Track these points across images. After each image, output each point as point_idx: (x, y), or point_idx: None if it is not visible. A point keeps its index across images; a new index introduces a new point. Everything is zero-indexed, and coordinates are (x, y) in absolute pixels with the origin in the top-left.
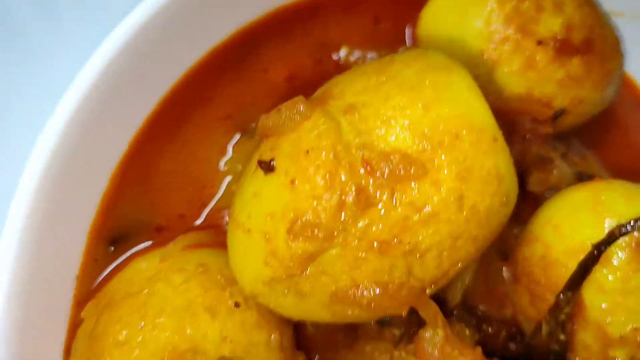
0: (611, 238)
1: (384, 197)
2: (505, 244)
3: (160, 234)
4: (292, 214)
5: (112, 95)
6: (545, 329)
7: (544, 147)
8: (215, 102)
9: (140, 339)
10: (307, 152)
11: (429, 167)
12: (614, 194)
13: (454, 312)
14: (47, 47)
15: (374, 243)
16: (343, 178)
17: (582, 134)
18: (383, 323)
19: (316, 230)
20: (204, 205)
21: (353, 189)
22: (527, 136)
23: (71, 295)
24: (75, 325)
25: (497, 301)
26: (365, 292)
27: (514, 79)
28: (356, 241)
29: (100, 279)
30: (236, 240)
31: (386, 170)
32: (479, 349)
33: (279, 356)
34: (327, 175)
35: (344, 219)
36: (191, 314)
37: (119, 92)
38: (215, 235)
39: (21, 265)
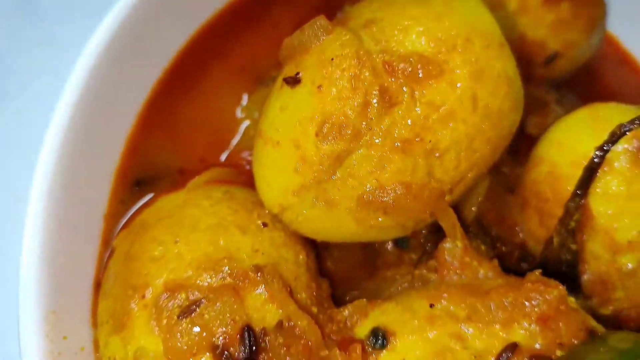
0: (613, 137)
1: (405, 97)
2: (510, 181)
3: (183, 176)
4: (320, 118)
5: (133, 48)
6: (556, 240)
7: (539, 90)
8: (231, 55)
9: (176, 251)
10: (332, 59)
11: (444, 68)
12: (610, 110)
13: (470, 229)
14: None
15: (397, 142)
16: (367, 79)
17: (572, 88)
18: (401, 244)
19: (344, 129)
20: (224, 149)
21: (377, 89)
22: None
23: (99, 233)
24: (102, 263)
25: (507, 230)
26: (390, 193)
27: (509, 22)
28: (380, 140)
29: (127, 217)
30: (265, 155)
31: (406, 70)
32: (495, 261)
33: (306, 275)
34: (352, 77)
35: (369, 118)
36: (223, 230)
37: (139, 44)
38: (236, 175)
39: (53, 206)
